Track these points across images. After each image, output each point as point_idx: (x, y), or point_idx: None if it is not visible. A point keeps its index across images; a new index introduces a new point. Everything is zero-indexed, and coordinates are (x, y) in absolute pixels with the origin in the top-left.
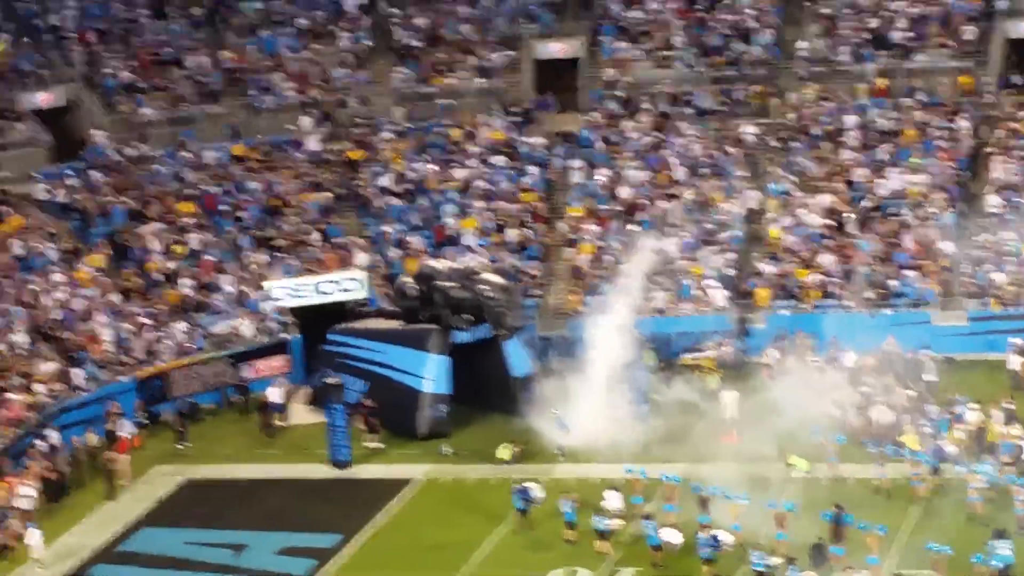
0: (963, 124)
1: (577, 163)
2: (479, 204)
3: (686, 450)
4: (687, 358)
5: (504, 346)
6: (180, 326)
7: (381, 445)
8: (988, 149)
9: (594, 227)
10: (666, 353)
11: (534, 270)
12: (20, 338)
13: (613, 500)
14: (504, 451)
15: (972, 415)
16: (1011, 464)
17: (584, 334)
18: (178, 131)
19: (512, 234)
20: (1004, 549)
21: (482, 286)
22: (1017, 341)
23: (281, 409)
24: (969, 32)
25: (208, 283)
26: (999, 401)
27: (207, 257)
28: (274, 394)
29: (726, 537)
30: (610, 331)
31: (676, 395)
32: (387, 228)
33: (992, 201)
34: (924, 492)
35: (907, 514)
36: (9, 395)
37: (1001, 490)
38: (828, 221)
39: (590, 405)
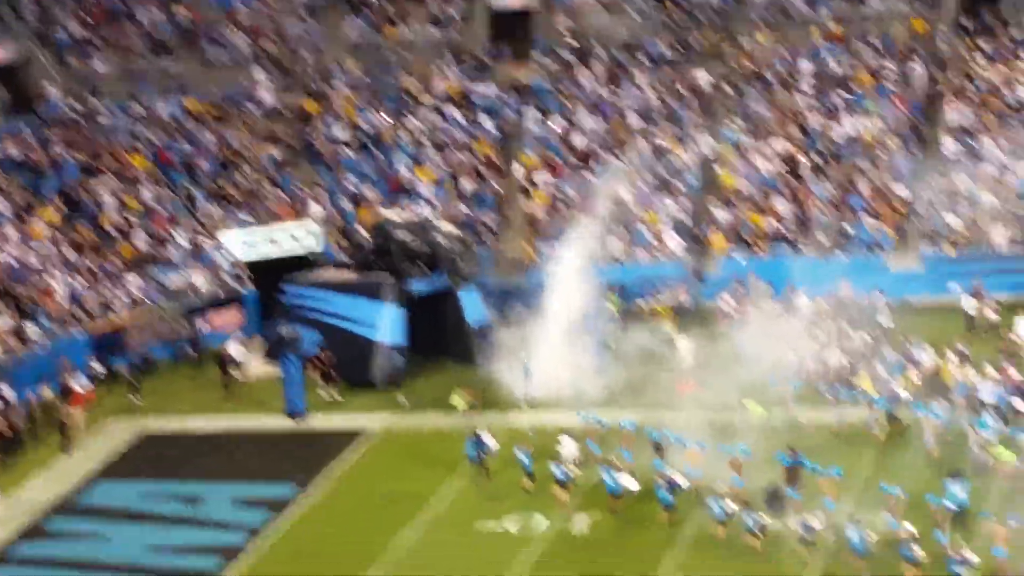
0: (917, 68)
1: (531, 112)
2: (433, 154)
3: (642, 397)
4: (643, 305)
5: (459, 295)
6: (134, 280)
7: (339, 397)
8: (942, 93)
9: (548, 176)
10: (623, 301)
11: (488, 219)
12: None
13: (569, 448)
14: (458, 399)
15: (927, 358)
16: (965, 406)
17: (541, 282)
18: (131, 86)
19: (466, 184)
20: (958, 490)
21: (437, 236)
22: (971, 285)
23: (239, 364)
24: None
25: (162, 236)
26: (953, 344)
27: (161, 210)
28: (233, 348)
29: (682, 483)
30: (568, 279)
31: (632, 342)
32: (341, 179)
33: (946, 145)
34: (880, 435)
35: (863, 458)
36: None
37: (956, 432)
38: (782, 167)
39: (548, 354)
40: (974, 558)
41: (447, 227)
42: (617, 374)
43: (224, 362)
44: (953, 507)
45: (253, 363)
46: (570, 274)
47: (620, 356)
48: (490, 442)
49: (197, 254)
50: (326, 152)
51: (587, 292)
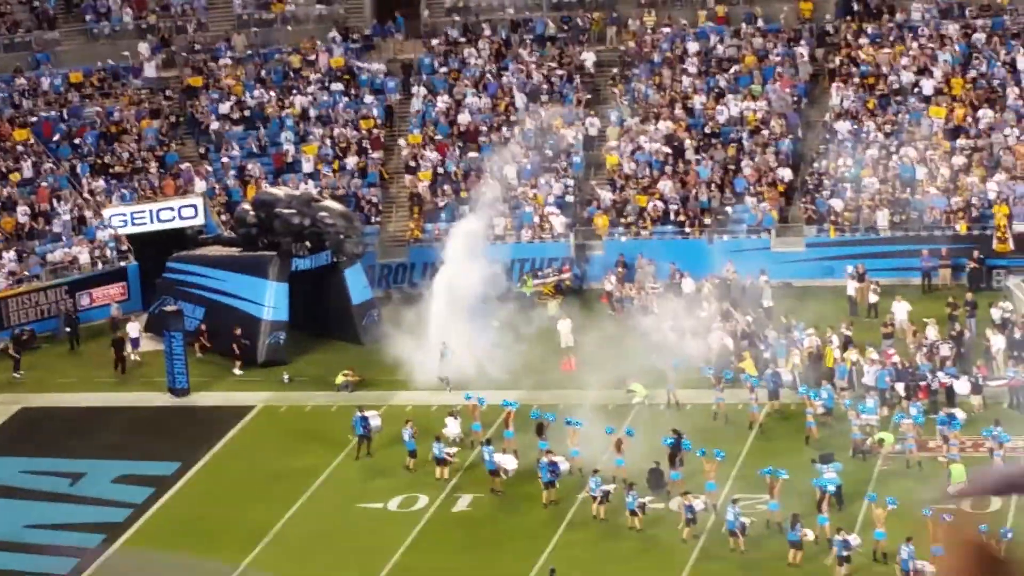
0: (802, 51)
1: (417, 90)
2: (318, 131)
3: (525, 377)
4: (527, 285)
5: (344, 273)
6: (14, 254)
7: (286, 375)
8: (827, 76)
9: (433, 154)
10: (508, 279)
11: (373, 196)
12: None
13: (452, 427)
14: (342, 378)
15: (809, 340)
16: (847, 389)
17: (426, 260)
18: (14, 57)
19: (351, 161)
20: (830, 472)
21: (322, 213)
22: (854, 267)
23: (137, 344)
24: None
25: (44, 210)
26: (836, 326)
27: (43, 184)
28: (132, 328)
29: (564, 463)
30: (456, 258)
31: (516, 322)
32: (226, 155)
33: (830, 128)
34: (761, 417)
35: (744, 439)
36: None
37: (838, 415)
38: (667, 148)
39: (436, 332)
40: (855, 539)
41: (332, 204)
42: (502, 354)
43: (120, 342)
44: (831, 488)
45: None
46: (456, 253)
47: (506, 336)
48: (374, 421)
49: (80, 228)
50: (211, 127)
51: (475, 271)
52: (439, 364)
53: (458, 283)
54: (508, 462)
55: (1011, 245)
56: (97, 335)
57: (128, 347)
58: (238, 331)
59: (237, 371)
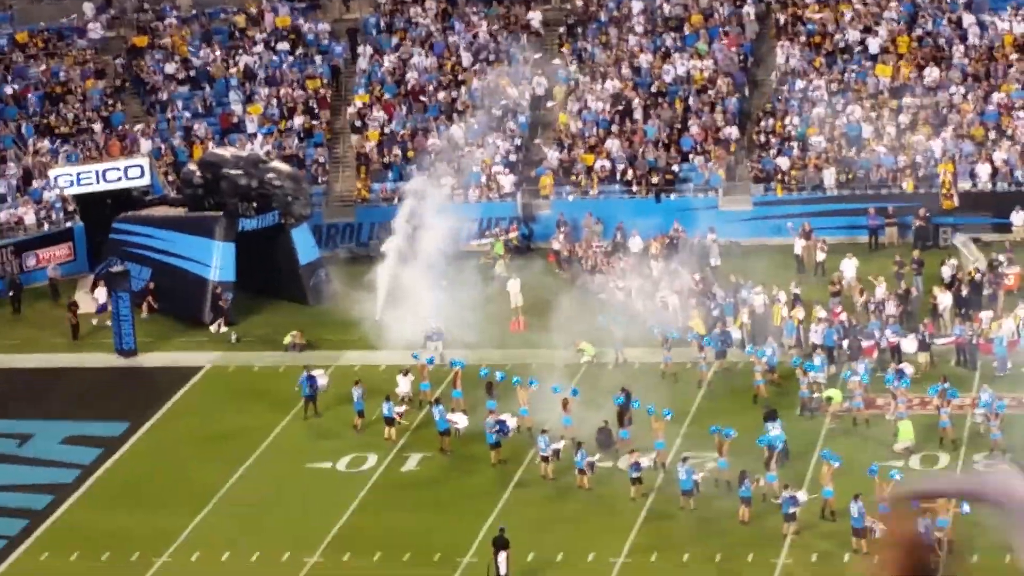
0: (748, 9)
1: (363, 50)
2: (264, 91)
3: (473, 336)
4: (475, 244)
5: (291, 233)
6: None
7: (234, 335)
8: (773, 35)
9: (380, 114)
10: (454, 239)
11: (320, 157)
12: None
13: (402, 386)
14: (289, 338)
15: (757, 299)
16: (795, 347)
17: (373, 220)
18: None
19: (298, 121)
20: (774, 430)
21: (269, 175)
22: (801, 226)
23: (103, 309)
24: None
25: None
26: (784, 285)
27: None
28: (100, 294)
29: (512, 422)
30: (406, 216)
31: (464, 281)
32: (172, 115)
33: (776, 86)
34: (710, 376)
35: (693, 398)
36: None
37: (785, 373)
38: (614, 107)
39: (383, 291)
40: (803, 496)
41: (279, 166)
42: (448, 312)
43: (76, 305)
44: (777, 446)
45: (82, 299)
46: (407, 211)
47: (452, 294)
48: (322, 380)
49: (25, 189)
50: (156, 88)
51: (427, 230)
52: (377, 309)
53: (408, 243)
54: (460, 421)
55: (957, 203)
56: (42, 297)
57: (93, 309)
58: (219, 290)
59: (214, 328)
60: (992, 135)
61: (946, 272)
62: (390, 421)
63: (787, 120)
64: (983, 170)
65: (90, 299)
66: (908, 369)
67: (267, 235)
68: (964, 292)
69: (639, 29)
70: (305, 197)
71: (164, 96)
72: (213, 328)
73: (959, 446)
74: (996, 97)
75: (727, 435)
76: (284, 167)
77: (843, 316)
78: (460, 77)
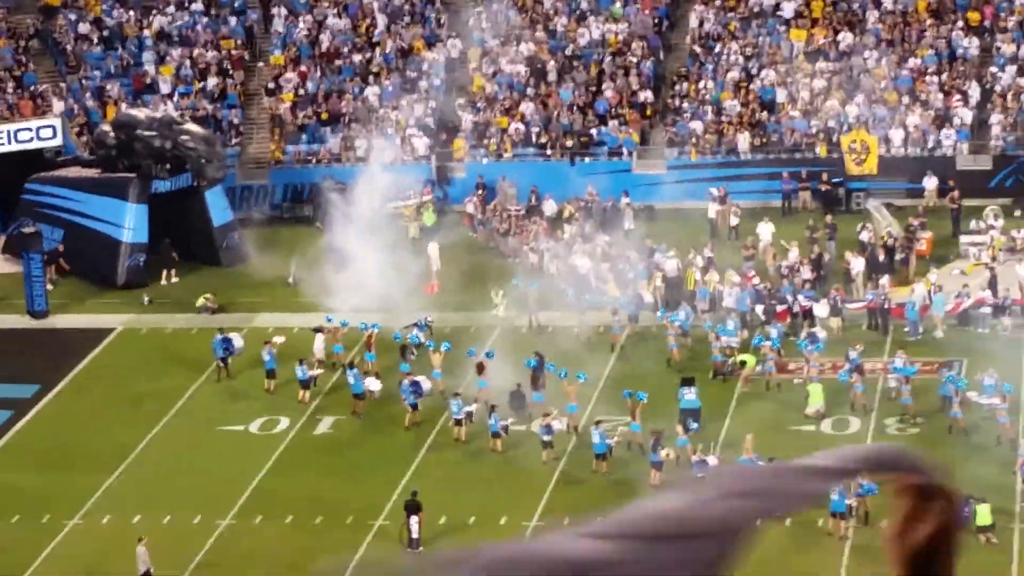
0: None
1: (278, 11)
2: (178, 52)
3: (387, 299)
4: (389, 206)
5: (204, 195)
6: None
7: (146, 297)
8: None
9: (294, 75)
10: (370, 202)
11: (234, 118)
12: None
13: (314, 349)
14: (202, 300)
15: (670, 263)
16: (708, 311)
17: (287, 182)
18: None
19: (212, 82)
20: (690, 395)
21: (183, 137)
22: (715, 190)
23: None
24: None
25: None
26: (698, 249)
27: None
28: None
29: (426, 385)
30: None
31: (379, 243)
32: (85, 76)
33: (691, 50)
34: (623, 339)
35: (606, 361)
36: None
37: (699, 337)
38: (529, 70)
39: (294, 253)
40: (715, 460)
41: (193, 128)
42: (361, 275)
43: None
44: (691, 411)
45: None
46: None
47: (365, 257)
48: (236, 343)
49: None
50: (69, 47)
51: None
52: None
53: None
54: (372, 384)
55: (871, 167)
56: None
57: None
58: (168, 241)
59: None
60: (905, 100)
61: (864, 237)
62: (304, 384)
63: (701, 84)
64: (896, 135)
65: (2, 260)
66: (820, 334)
67: (181, 196)
68: (877, 257)
69: None
70: (219, 160)
71: (77, 56)
72: (164, 282)
73: (870, 411)
74: (910, 62)
75: (640, 398)
76: (198, 129)
77: (756, 280)
78: (374, 39)
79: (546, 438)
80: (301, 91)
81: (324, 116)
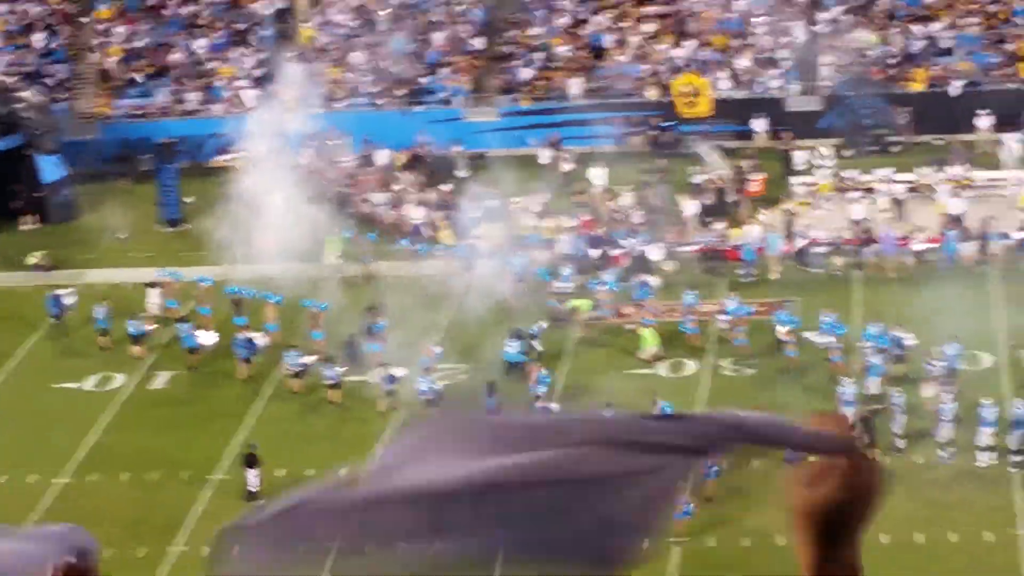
0: None
1: None
2: (2, 7)
3: (219, 252)
4: (219, 160)
5: (35, 155)
6: None
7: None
8: None
9: (122, 28)
10: (198, 156)
11: (61, 73)
12: None
13: (148, 304)
14: (33, 259)
15: (505, 209)
16: (543, 257)
17: (115, 137)
18: None
19: (38, 37)
20: (513, 347)
21: (17, 104)
22: (548, 135)
23: None
24: None
25: None
26: (532, 196)
27: None
28: None
29: (260, 338)
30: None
31: (209, 198)
32: None
33: None
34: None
35: (442, 309)
36: None
37: (533, 284)
38: (358, 19)
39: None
40: (554, 407)
41: (28, 95)
42: (190, 229)
43: None
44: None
45: None
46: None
47: (197, 211)
48: (68, 299)
49: None
50: None
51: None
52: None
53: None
54: (208, 338)
55: (702, 110)
56: None
57: None
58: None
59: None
60: (734, 43)
61: (697, 180)
62: (137, 339)
63: (531, 30)
64: (725, 78)
65: None
66: (653, 279)
67: (10, 156)
68: (709, 200)
69: None
70: (53, 130)
71: None
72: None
73: (705, 352)
74: (738, 5)
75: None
76: (33, 98)
77: (590, 226)
78: None
79: (387, 387)
80: (128, 45)
81: (151, 70)
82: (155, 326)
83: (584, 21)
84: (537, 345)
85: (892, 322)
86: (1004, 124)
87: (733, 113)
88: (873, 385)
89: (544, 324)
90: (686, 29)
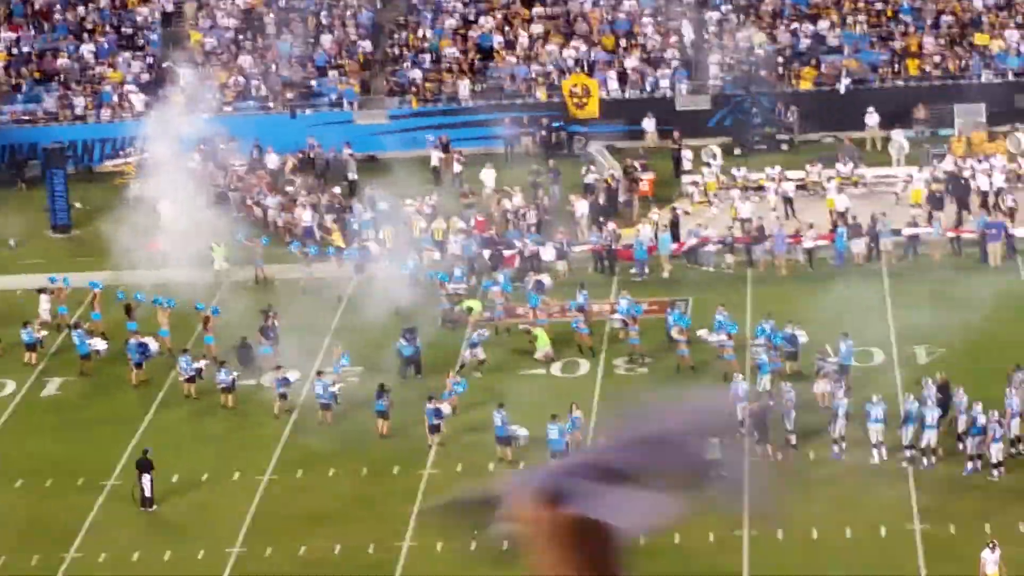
0: None
1: None
2: None
3: (110, 257)
4: (110, 165)
5: None
6: None
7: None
8: None
9: (8, 34)
10: (87, 161)
11: None
12: None
13: (40, 310)
14: None
15: (395, 212)
16: (435, 260)
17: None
18: None
19: None
20: (406, 347)
21: None
22: (434, 137)
23: None
24: None
25: None
26: (423, 198)
27: None
28: None
29: (153, 344)
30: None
31: (98, 203)
32: None
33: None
34: (350, 290)
35: (335, 312)
36: None
37: (427, 284)
38: (246, 23)
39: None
40: (447, 409)
41: None
42: (80, 233)
43: None
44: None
45: None
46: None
47: (85, 215)
48: None
49: None
50: None
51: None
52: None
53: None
54: (99, 344)
55: (592, 111)
56: None
57: None
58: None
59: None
60: (623, 43)
61: (588, 180)
62: (30, 346)
63: (420, 32)
64: (614, 78)
65: None
66: (546, 280)
67: None
68: (600, 199)
69: None
70: None
71: None
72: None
73: (598, 352)
74: (626, 5)
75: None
76: None
77: (483, 227)
78: None
79: (281, 390)
80: (15, 50)
81: (38, 75)
82: (47, 332)
83: (472, 22)
84: (480, 353)
85: (784, 319)
86: (892, 121)
87: (623, 113)
88: (765, 382)
89: (485, 333)
90: (575, 30)
